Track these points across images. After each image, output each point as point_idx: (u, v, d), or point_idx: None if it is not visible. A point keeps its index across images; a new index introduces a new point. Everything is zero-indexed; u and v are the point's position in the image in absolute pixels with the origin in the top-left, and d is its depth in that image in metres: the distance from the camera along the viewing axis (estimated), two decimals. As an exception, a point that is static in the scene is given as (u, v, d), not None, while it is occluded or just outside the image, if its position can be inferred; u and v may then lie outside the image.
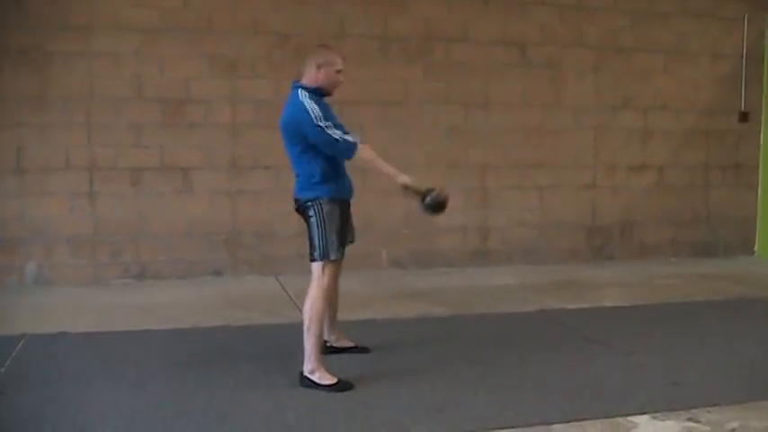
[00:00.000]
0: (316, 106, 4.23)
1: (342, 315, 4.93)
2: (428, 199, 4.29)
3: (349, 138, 4.23)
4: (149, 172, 7.21)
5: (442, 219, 7.91)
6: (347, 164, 4.46)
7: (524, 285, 7.23)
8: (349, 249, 4.73)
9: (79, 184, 7.05)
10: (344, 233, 4.40)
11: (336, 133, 4.20)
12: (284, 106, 4.41)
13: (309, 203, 4.31)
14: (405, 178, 4.31)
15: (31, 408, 3.93)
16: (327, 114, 4.26)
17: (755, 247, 9.09)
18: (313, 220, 4.30)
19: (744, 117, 8.89)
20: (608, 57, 8.42)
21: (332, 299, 4.71)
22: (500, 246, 8.23)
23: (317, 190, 4.30)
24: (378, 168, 4.34)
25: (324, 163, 4.29)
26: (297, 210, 4.43)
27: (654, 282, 7.49)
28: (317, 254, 4.29)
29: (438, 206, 4.32)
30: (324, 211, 4.29)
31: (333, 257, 4.29)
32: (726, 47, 8.81)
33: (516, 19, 8.09)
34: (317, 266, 4.31)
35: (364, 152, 4.28)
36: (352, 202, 4.55)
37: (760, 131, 9.02)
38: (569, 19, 8.26)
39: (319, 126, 4.18)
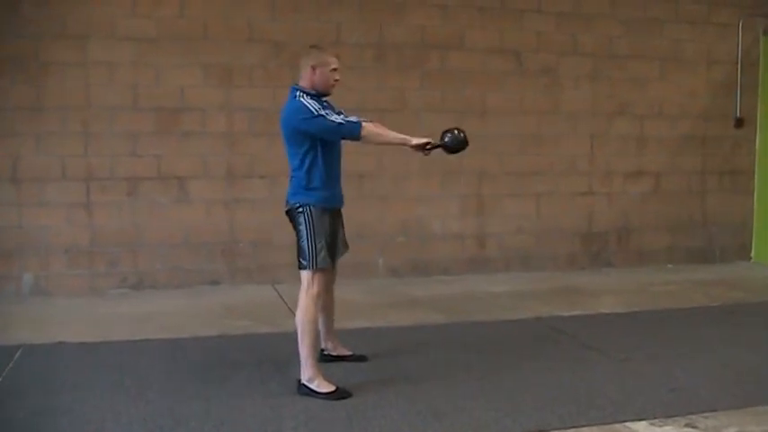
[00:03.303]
0: (313, 101, 4.28)
1: (339, 323, 4.93)
2: (447, 141, 4.40)
3: (352, 118, 4.29)
4: (146, 181, 7.20)
5: (438, 226, 8.00)
6: (344, 171, 4.51)
7: (521, 292, 7.23)
8: (345, 258, 4.75)
9: (76, 193, 7.04)
10: (334, 243, 4.42)
11: (338, 118, 4.26)
12: (282, 109, 4.44)
13: (300, 209, 4.33)
14: (418, 140, 4.35)
15: (28, 418, 3.92)
16: (325, 106, 4.31)
17: (752, 253, 9.10)
18: (302, 227, 4.31)
19: (739, 123, 8.91)
20: (604, 64, 8.44)
21: (328, 306, 4.72)
22: (497, 253, 8.23)
23: (308, 196, 4.32)
24: (389, 140, 4.40)
25: (318, 169, 4.31)
26: (287, 213, 4.45)
27: (651, 288, 7.50)
28: (306, 262, 4.30)
29: (460, 143, 4.42)
30: (314, 217, 4.30)
31: (321, 266, 4.29)
32: (721, 53, 8.83)
33: (512, 27, 8.11)
34: (305, 275, 4.31)
35: (371, 127, 4.31)
36: (343, 210, 4.58)
37: (756, 137, 9.03)
38: (565, 27, 8.28)
39: (320, 115, 4.22)
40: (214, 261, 7.42)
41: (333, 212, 4.43)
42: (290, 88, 4.46)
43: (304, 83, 4.40)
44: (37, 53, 6.87)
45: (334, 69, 4.41)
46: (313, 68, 4.37)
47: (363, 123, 4.28)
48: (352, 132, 4.25)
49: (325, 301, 4.66)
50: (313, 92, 4.36)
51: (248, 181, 7.42)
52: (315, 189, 4.32)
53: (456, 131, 4.41)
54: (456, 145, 4.42)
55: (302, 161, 4.32)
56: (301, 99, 4.30)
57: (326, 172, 4.33)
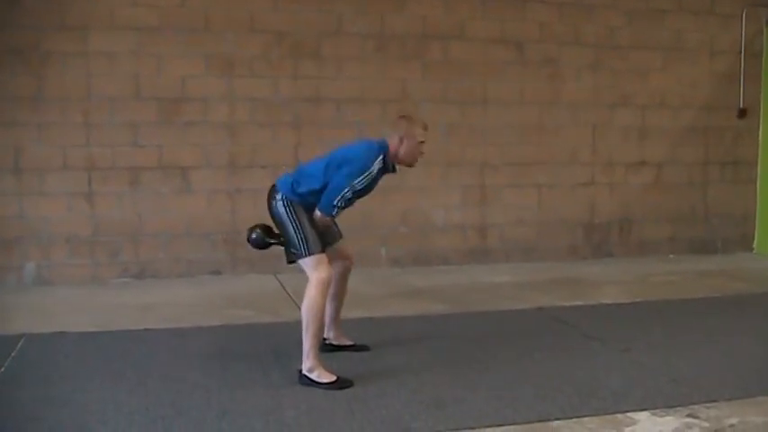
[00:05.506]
0: (368, 176, 4.28)
1: (341, 313, 4.92)
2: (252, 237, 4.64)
3: (335, 210, 4.30)
4: (147, 171, 7.20)
5: (439, 217, 7.99)
6: None
7: (523, 283, 7.23)
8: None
9: (77, 183, 7.05)
10: (318, 231, 4.38)
11: (340, 202, 4.26)
12: (360, 139, 4.53)
13: (280, 200, 4.36)
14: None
15: (30, 407, 3.92)
16: (363, 187, 4.30)
17: (754, 244, 9.10)
18: (284, 217, 4.33)
19: (742, 113, 8.89)
20: (606, 54, 8.41)
21: (339, 295, 4.73)
22: (498, 243, 8.23)
23: (293, 195, 4.35)
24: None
25: (315, 197, 4.33)
26: (269, 207, 4.44)
27: (652, 279, 7.49)
28: (297, 250, 4.31)
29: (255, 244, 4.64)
30: (294, 208, 4.33)
31: (314, 249, 4.29)
32: (724, 43, 8.81)
33: (514, 17, 8.09)
34: (306, 264, 4.31)
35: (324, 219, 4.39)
36: None
37: (758, 128, 9.02)
38: (567, 17, 8.25)
39: (345, 189, 4.22)
40: (216, 251, 7.42)
41: (309, 208, 4.41)
42: (382, 138, 4.43)
43: (391, 147, 4.38)
44: (38, 44, 6.86)
45: (422, 143, 4.41)
46: (401, 140, 4.37)
47: (332, 213, 4.33)
48: (325, 209, 4.30)
49: (338, 290, 4.68)
50: (390, 162, 4.38)
51: (250, 171, 7.42)
52: (300, 195, 4.35)
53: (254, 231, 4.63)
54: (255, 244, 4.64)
55: (315, 175, 4.33)
56: (373, 162, 4.28)
57: (314, 201, 4.35)
